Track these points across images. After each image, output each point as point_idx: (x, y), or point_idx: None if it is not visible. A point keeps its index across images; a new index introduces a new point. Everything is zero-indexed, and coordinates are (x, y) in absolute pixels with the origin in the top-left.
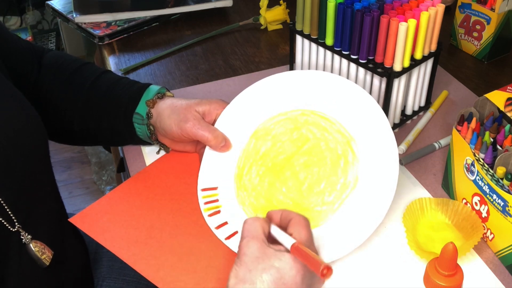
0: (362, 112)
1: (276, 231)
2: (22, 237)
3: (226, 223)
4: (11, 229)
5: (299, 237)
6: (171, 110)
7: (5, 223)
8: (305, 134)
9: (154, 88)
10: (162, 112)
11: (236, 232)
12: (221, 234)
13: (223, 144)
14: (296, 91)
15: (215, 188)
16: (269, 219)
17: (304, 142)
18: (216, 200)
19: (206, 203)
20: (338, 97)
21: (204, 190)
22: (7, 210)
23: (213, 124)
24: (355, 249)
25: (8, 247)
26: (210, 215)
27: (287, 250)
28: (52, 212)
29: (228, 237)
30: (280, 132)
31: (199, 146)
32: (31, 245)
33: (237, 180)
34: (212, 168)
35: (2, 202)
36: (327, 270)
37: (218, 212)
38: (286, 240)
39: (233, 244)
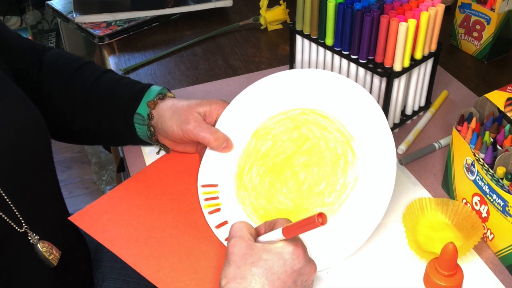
0: (361, 110)
1: (264, 237)
2: (30, 238)
3: (226, 222)
4: (18, 230)
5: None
6: (173, 111)
7: (12, 224)
8: (305, 133)
9: (155, 89)
10: (163, 113)
11: None
12: (220, 234)
13: (224, 145)
14: (296, 89)
15: (215, 185)
16: (257, 233)
17: (304, 141)
18: (217, 198)
19: (207, 199)
20: (338, 96)
21: (204, 186)
22: (14, 210)
23: (214, 124)
24: (357, 249)
25: (16, 248)
26: (210, 213)
27: (276, 242)
28: (57, 212)
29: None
30: (281, 131)
31: (199, 147)
32: (38, 245)
33: (238, 179)
34: (213, 166)
35: (9, 202)
36: (322, 218)
37: (218, 210)
38: (275, 233)
39: None
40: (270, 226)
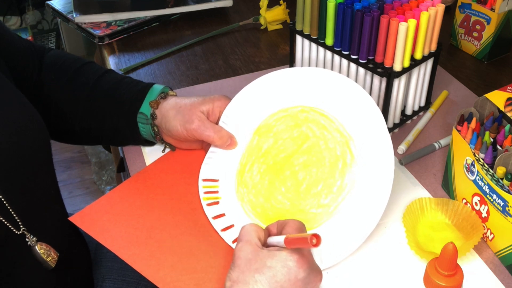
0: (360, 111)
1: (272, 239)
2: (28, 240)
3: (223, 214)
4: (16, 232)
5: (289, 233)
6: (176, 111)
7: (10, 226)
8: (305, 132)
9: (157, 88)
10: (167, 113)
11: (232, 226)
12: (217, 225)
13: (228, 142)
14: (296, 87)
15: (216, 180)
16: (267, 232)
17: (304, 140)
18: (216, 192)
19: (206, 192)
20: (337, 95)
21: (205, 180)
22: (12, 212)
23: (217, 121)
24: (351, 252)
25: (14, 250)
26: (208, 205)
27: (282, 249)
28: (56, 214)
29: (224, 229)
30: (282, 129)
31: (205, 143)
32: (36, 247)
33: (239, 176)
34: (216, 162)
35: (6, 204)
36: (316, 239)
37: (217, 203)
38: (280, 239)
39: (228, 237)
40: (281, 226)
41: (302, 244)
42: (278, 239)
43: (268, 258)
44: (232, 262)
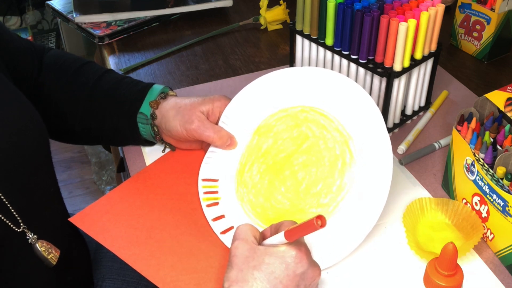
0: (360, 111)
1: (268, 241)
2: (28, 238)
3: (223, 216)
4: (16, 229)
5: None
6: (176, 111)
7: (10, 224)
8: (305, 132)
9: (157, 88)
10: (167, 113)
11: (231, 227)
12: (217, 227)
13: (228, 143)
14: (296, 87)
15: (215, 180)
16: (262, 236)
17: (303, 140)
18: (216, 192)
19: (206, 193)
20: (337, 94)
21: (204, 180)
22: (12, 211)
23: (217, 121)
24: (351, 251)
25: (15, 248)
26: (208, 206)
27: (280, 245)
28: (56, 213)
29: (224, 232)
30: (282, 129)
31: (204, 144)
32: (37, 245)
33: (238, 176)
34: (215, 162)
35: (6, 203)
36: (321, 220)
37: (217, 203)
38: (279, 236)
39: (227, 239)
40: (275, 228)
41: (306, 230)
42: (275, 238)
43: (265, 255)
44: (229, 262)
